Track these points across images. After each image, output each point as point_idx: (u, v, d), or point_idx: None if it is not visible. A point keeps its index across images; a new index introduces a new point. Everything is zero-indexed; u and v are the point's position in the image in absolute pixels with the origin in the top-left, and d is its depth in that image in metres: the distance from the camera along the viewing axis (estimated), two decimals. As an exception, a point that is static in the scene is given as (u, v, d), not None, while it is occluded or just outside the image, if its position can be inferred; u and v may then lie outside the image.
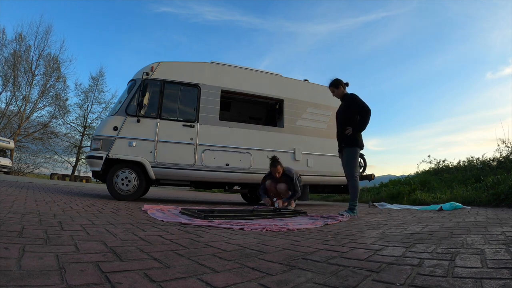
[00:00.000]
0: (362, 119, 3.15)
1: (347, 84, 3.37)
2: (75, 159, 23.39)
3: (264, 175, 4.26)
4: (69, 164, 23.79)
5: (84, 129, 23.34)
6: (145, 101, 4.41)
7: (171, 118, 4.63)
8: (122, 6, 49.09)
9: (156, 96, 4.59)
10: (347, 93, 3.35)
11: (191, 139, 4.60)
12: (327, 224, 2.40)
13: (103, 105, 23.61)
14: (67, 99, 23.04)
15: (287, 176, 3.95)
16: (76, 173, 22.83)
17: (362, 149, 3.23)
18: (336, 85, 3.33)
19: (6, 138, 18.72)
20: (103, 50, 50.70)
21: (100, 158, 4.17)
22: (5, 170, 16.04)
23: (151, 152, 4.36)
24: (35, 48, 21.54)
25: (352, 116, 3.19)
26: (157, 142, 4.41)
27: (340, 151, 3.37)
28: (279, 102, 5.49)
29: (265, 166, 4.97)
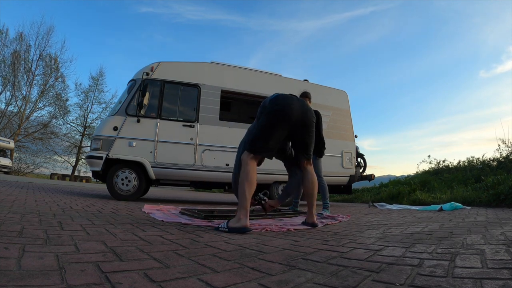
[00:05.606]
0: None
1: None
2: (75, 159, 23.38)
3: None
4: (69, 164, 23.79)
5: (84, 129, 23.32)
6: (145, 101, 4.41)
7: (171, 118, 4.63)
8: (105, 6, 49.31)
9: (156, 96, 4.59)
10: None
11: (191, 139, 4.60)
12: (327, 224, 2.40)
13: (103, 105, 23.63)
14: (67, 99, 23.05)
15: None
16: (76, 173, 22.81)
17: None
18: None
19: (6, 138, 18.72)
20: (93, 51, 50.97)
21: (100, 158, 4.17)
22: (5, 170, 16.03)
23: (151, 152, 4.37)
24: (36, 48, 21.56)
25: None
26: (157, 142, 4.41)
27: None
28: None
29: (265, 166, 4.95)
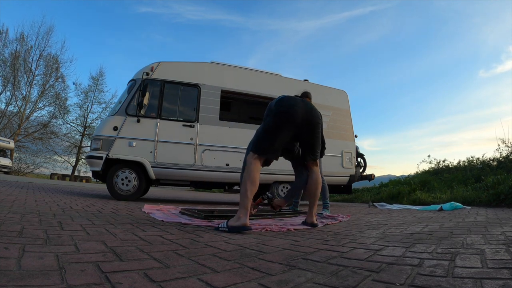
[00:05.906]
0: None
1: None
2: (75, 159, 23.37)
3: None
4: (69, 164, 23.78)
5: (84, 129, 23.30)
6: (145, 101, 4.41)
7: (171, 118, 4.63)
8: (105, 6, 49.55)
9: (156, 96, 4.59)
10: None
11: (191, 139, 4.60)
12: (327, 224, 2.40)
13: (103, 105, 23.61)
14: (66, 99, 23.03)
15: None
16: (76, 173, 22.79)
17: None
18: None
19: (6, 138, 18.71)
20: (93, 50, 51.14)
21: (100, 158, 4.17)
22: (5, 170, 16.03)
23: (151, 152, 4.37)
24: (36, 48, 21.53)
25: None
26: (157, 142, 4.41)
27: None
28: None
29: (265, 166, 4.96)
